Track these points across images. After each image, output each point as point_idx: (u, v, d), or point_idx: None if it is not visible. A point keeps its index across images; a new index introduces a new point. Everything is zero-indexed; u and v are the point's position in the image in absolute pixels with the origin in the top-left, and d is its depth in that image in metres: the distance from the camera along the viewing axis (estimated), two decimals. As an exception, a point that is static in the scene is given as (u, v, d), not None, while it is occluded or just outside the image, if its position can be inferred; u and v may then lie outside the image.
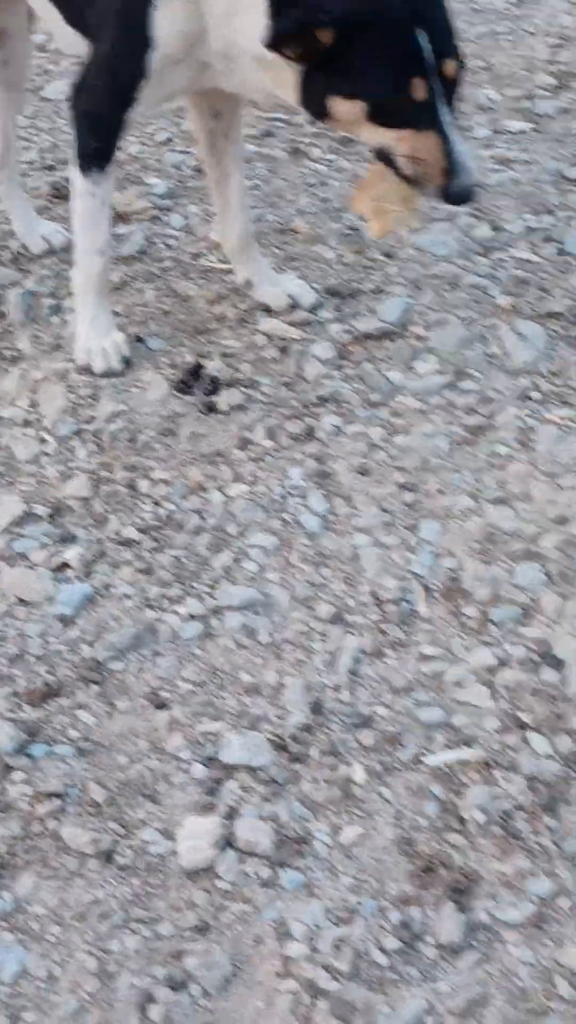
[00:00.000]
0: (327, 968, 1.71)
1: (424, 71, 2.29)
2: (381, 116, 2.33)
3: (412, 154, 2.36)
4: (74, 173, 2.77)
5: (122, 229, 3.47)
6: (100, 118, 2.68)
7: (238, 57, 2.49)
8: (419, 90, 2.29)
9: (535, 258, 3.13)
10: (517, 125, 3.76)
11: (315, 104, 2.38)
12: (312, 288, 3.07)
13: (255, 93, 2.60)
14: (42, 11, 2.84)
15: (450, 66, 2.33)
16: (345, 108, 2.34)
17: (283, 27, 2.27)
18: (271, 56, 2.35)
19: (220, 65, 2.55)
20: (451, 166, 2.33)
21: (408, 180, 2.41)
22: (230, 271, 3.19)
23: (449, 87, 2.34)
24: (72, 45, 2.79)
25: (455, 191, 2.36)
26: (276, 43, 2.28)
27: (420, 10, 2.30)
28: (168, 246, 3.41)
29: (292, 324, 2.99)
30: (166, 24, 2.47)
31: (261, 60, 2.42)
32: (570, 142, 3.65)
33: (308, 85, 2.36)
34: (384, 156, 2.42)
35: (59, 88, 4.40)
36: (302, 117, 3.90)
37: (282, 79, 2.42)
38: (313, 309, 3.03)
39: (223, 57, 2.52)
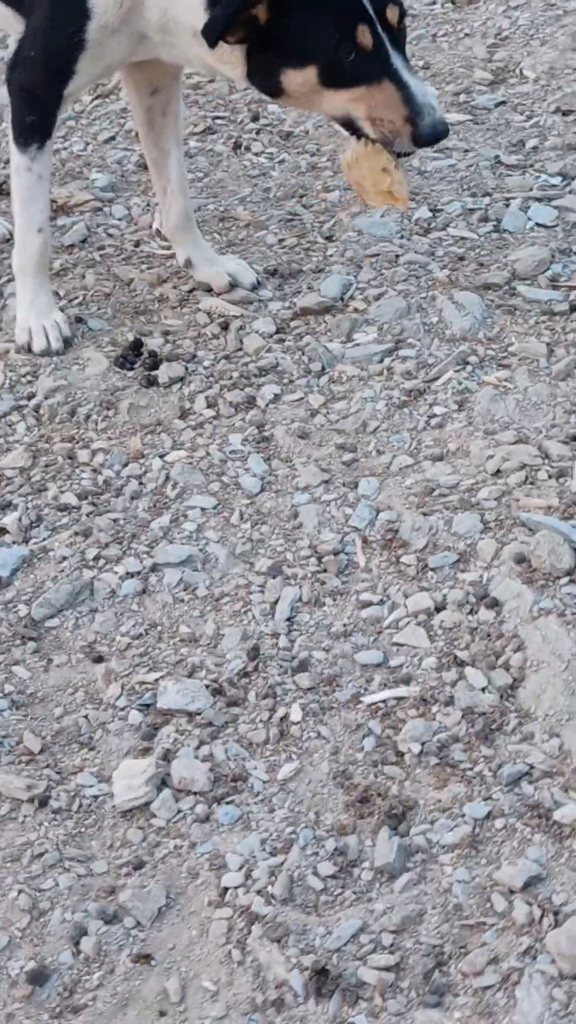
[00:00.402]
0: (261, 894, 1.69)
1: (367, 18, 2.28)
2: (334, 78, 2.32)
3: (371, 114, 2.35)
4: (12, 149, 2.78)
5: (64, 220, 3.48)
6: (36, 92, 2.68)
7: (175, 31, 2.50)
8: (365, 36, 2.28)
9: (472, 236, 3.16)
10: (456, 117, 3.81)
11: (267, 82, 2.38)
12: (253, 268, 3.08)
13: (196, 65, 2.61)
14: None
15: (392, 11, 2.32)
16: (298, 79, 2.34)
17: (218, 18, 2.26)
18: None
19: (158, 37, 2.56)
20: (415, 108, 2.32)
21: (380, 142, 2.41)
22: (171, 256, 3.20)
23: (394, 35, 2.33)
24: (7, 24, 2.80)
25: (425, 132, 2.34)
26: (215, 35, 2.27)
27: None
28: (110, 235, 3.41)
29: (233, 303, 2.99)
30: None
31: (197, 34, 2.43)
32: (506, 132, 3.70)
33: (256, 63, 2.36)
34: (349, 125, 2.42)
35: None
36: (242, 114, 3.97)
37: (223, 55, 2.42)
38: (254, 288, 3.03)
39: (160, 29, 2.53)
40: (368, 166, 2.43)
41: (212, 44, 2.29)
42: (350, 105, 2.37)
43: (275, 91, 2.40)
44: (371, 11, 2.29)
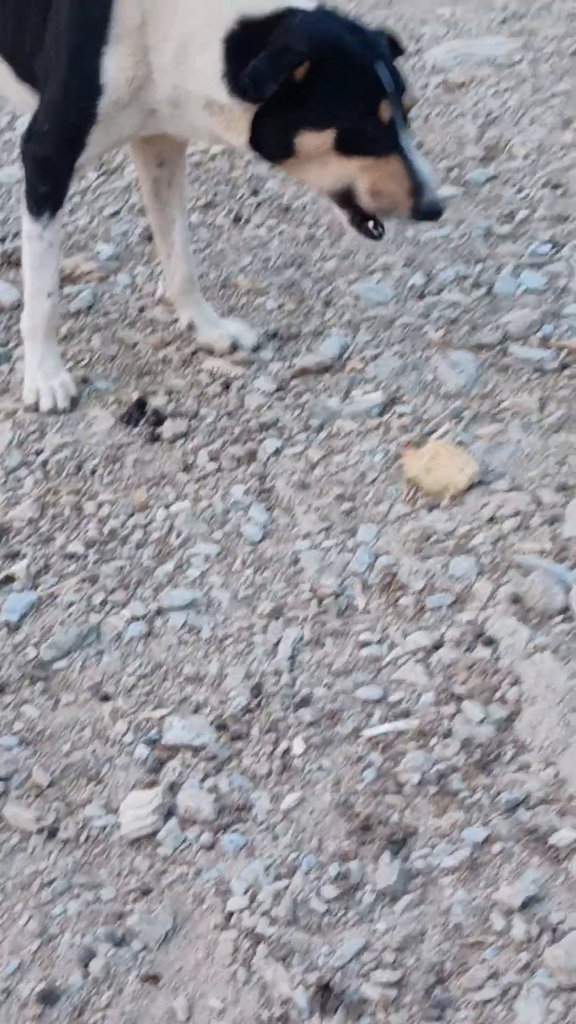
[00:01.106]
0: (266, 915, 1.72)
1: (388, 94, 2.44)
2: (348, 144, 2.45)
3: (374, 185, 2.48)
4: (24, 217, 2.89)
5: (71, 289, 3.60)
6: (49, 163, 2.80)
7: (185, 103, 2.62)
8: (386, 111, 2.43)
9: (466, 300, 3.28)
10: (449, 191, 3.95)
11: (278, 142, 2.49)
12: (253, 331, 3.18)
13: (202, 137, 2.74)
14: (-8, 73, 3.00)
15: (407, 99, 2.51)
16: (316, 140, 2.46)
17: (265, 70, 2.38)
18: (223, 100, 2.49)
19: (167, 111, 2.69)
20: (417, 184, 2.46)
21: (374, 213, 2.54)
22: (175, 321, 3.31)
23: (404, 118, 2.49)
24: (24, 101, 2.93)
25: (424, 207, 2.48)
26: (269, 84, 2.38)
27: (374, 48, 2.48)
28: (115, 302, 3.53)
29: (235, 363, 3.09)
30: (114, 69, 2.61)
31: (210, 104, 2.56)
32: (497, 204, 3.85)
33: (269, 124, 2.47)
34: (343, 197, 2.55)
35: (9, 172, 4.59)
36: (243, 189, 4.12)
37: (231, 122, 2.56)
38: (255, 350, 3.14)
39: (170, 103, 2.66)
40: (440, 457, 2.56)
41: (259, 95, 2.40)
42: (356, 174, 2.49)
43: (285, 153, 2.50)
44: (391, 90, 2.45)
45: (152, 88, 2.64)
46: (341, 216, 2.61)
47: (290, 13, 2.47)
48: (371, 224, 2.61)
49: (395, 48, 2.61)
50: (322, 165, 2.50)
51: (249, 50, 2.43)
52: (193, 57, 2.52)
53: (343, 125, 2.43)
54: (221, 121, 2.57)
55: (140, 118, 2.74)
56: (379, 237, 2.65)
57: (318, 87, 2.40)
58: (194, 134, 2.74)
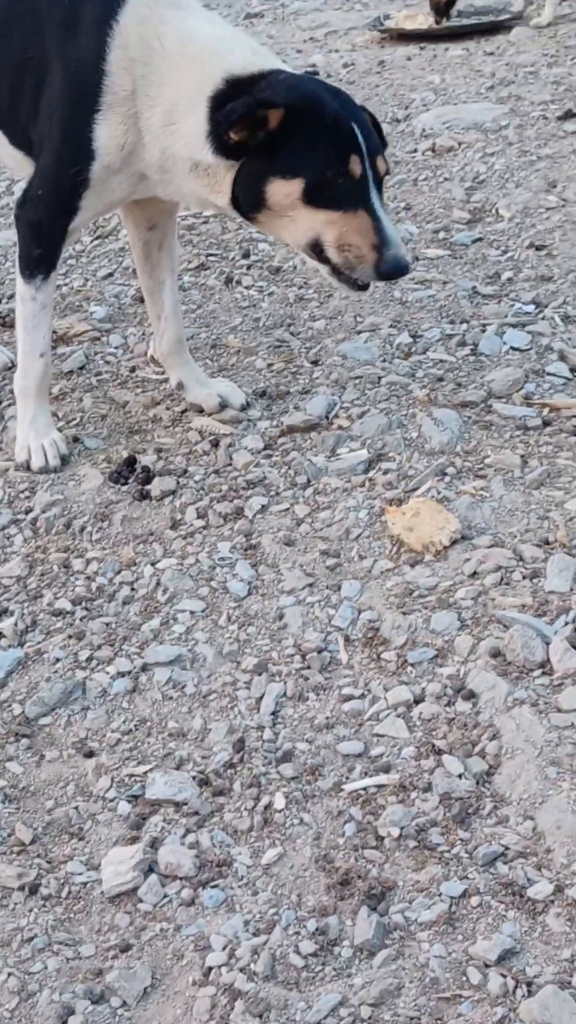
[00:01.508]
0: (244, 971, 1.73)
1: (361, 153, 2.50)
2: (317, 196, 2.50)
3: (340, 239, 2.53)
4: (18, 279, 2.95)
5: (64, 349, 3.67)
6: (43, 227, 2.87)
7: (173, 166, 2.70)
8: (356, 166, 2.49)
9: (451, 359, 3.33)
10: (435, 252, 4.03)
11: (251, 193, 2.55)
12: (242, 391, 3.23)
13: (189, 199, 2.81)
14: (-12, 139, 3.08)
15: (381, 161, 2.56)
16: (284, 189, 2.51)
17: (235, 108, 2.46)
18: (208, 159, 2.57)
19: (156, 175, 2.77)
20: (382, 241, 2.50)
21: (339, 270, 2.59)
22: (165, 380, 3.37)
23: (378, 178, 2.54)
24: (20, 167, 3.01)
25: (388, 265, 2.52)
26: (234, 118, 2.45)
27: (353, 110, 2.56)
28: (107, 362, 3.59)
29: (223, 422, 3.14)
30: (105, 136, 2.69)
31: (195, 166, 2.63)
32: (483, 265, 3.91)
33: (245, 174, 2.54)
34: (315, 249, 2.60)
35: (5, 237, 4.69)
36: (234, 251, 4.19)
37: (216, 183, 2.63)
38: (243, 408, 3.19)
39: (159, 167, 2.73)
40: (424, 516, 2.60)
41: (226, 131, 2.47)
42: (323, 227, 2.54)
43: (256, 203, 2.56)
44: (365, 150, 2.51)
45: (142, 153, 2.72)
46: (322, 269, 2.66)
47: (274, 72, 2.56)
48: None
49: (375, 127, 2.68)
50: (292, 218, 2.56)
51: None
52: (181, 119, 2.61)
53: (311, 176, 2.48)
54: (206, 183, 2.64)
55: (131, 183, 2.81)
56: (364, 288, 2.69)
57: (290, 137, 2.47)
58: (182, 198, 2.81)
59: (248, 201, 2.57)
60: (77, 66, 2.65)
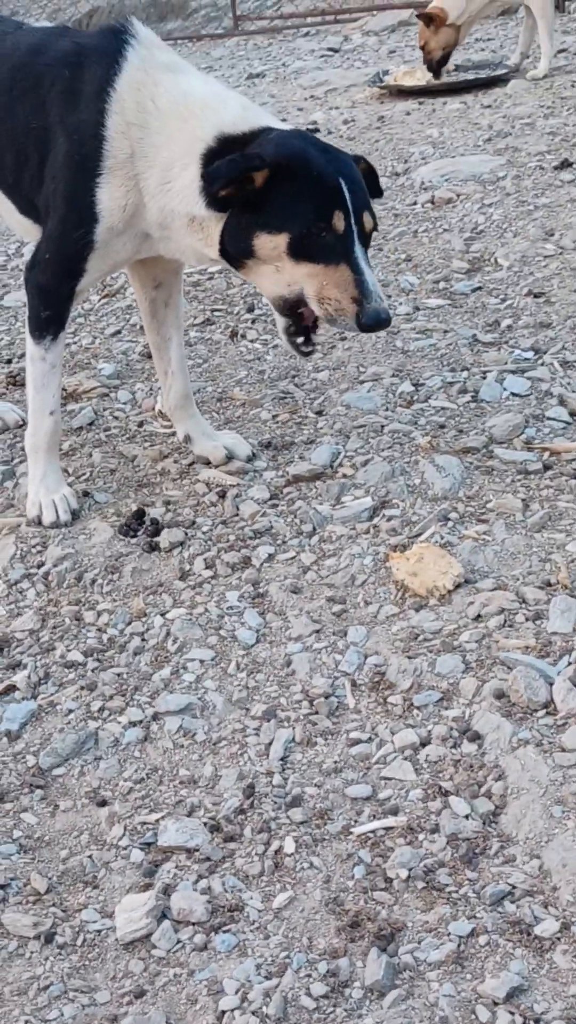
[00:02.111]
0: (256, 1014, 1.75)
1: (346, 209, 2.57)
2: (300, 249, 2.57)
3: (322, 292, 2.60)
4: (28, 340, 3.03)
5: (73, 406, 3.74)
6: (51, 289, 2.95)
7: (172, 223, 2.78)
8: (340, 221, 2.55)
9: (452, 406, 3.39)
10: (435, 302, 4.11)
11: (238, 244, 2.63)
12: (248, 442, 3.30)
13: (188, 255, 2.89)
14: (-1, 207, 3.17)
15: (367, 218, 2.62)
16: (270, 243, 2.59)
17: (221, 169, 2.53)
18: (202, 213, 2.65)
19: (157, 233, 2.85)
20: (362, 294, 2.56)
21: (324, 320, 2.67)
22: (172, 434, 3.43)
23: (363, 234, 2.61)
24: (28, 233, 3.10)
25: (368, 317, 2.57)
26: (221, 181, 2.53)
27: (340, 166, 2.61)
28: (115, 417, 3.66)
29: (230, 473, 3.20)
30: (108, 199, 2.78)
31: (191, 221, 2.72)
32: (482, 313, 3.99)
33: (234, 226, 2.63)
34: (295, 305, 2.68)
35: (15, 297, 4.79)
36: (238, 306, 4.27)
37: (209, 237, 2.71)
38: (249, 460, 3.24)
39: (159, 225, 2.82)
40: (427, 561, 2.65)
41: (214, 190, 2.55)
42: (306, 280, 2.61)
43: (244, 254, 2.64)
44: (350, 206, 2.57)
45: (143, 213, 2.81)
46: (279, 323, 2.74)
47: (265, 130, 2.65)
48: (302, 340, 2.76)
49: (370, 176, 2.75)
50: (276, 269, 2.63)
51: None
52: (176, 177, 2.70)
53: (295, 231, 2.55)
54: (201, 237, 2.73)
55: (135, 243, 2.90)
56: (308, 355, 2.83)
57: (276, 193, 2.54)
58: (182, 254, 2.89)
59: (236, 251, 2.65)
60: (78, 133, 2.74)
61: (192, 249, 2.81)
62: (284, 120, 6.16)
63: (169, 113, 2.71)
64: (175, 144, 2.69)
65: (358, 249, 2.57)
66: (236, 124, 2.66)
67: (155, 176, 2.73)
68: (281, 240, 2.57)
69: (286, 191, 2.54)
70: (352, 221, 2.58)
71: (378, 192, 2.82)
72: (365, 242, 2.62)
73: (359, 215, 2.60)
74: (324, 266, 2.57)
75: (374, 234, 2.71)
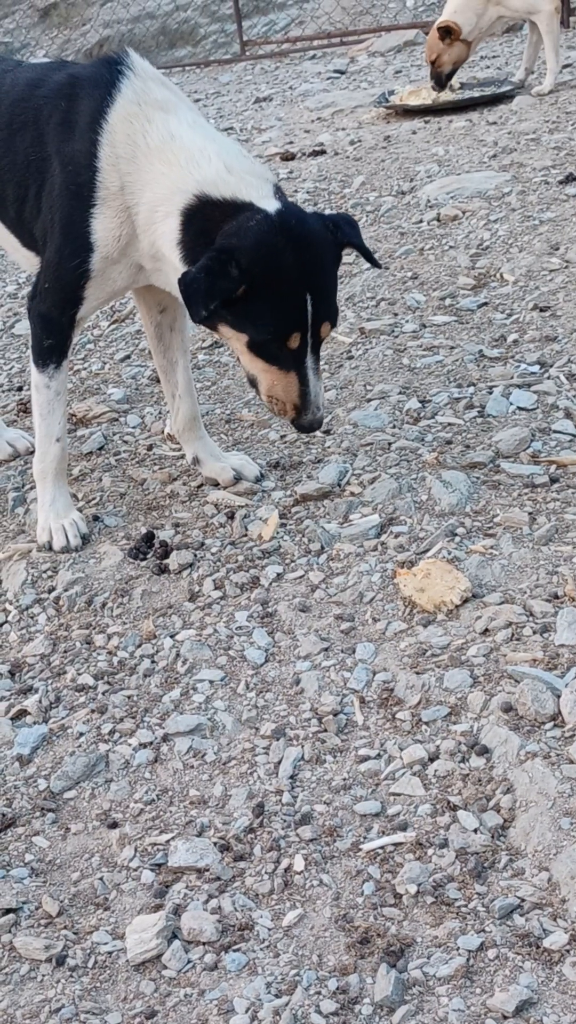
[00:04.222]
0: (266, 1032, 1.75)
1: (304, 329, 2.62)
2: (257, 350, 2.65)
3: (270, 389, 2.71)
4: (32, 368, 3.06)
5: (83, 432, 3.77)
6: (51, 318, 2.98)
7: (162, 259, 2.81)
8: (295, 341, 2.62)
9: (459, 421, 3.40)
10: (442, 319, 4.12)
11: (208, 320, 2.63)
12: (256, 463, 3.31)
13: (175, 291, 2.91)
14: (2, 242, 3.21)
15: (325, 328, 2.68)
16: (229, 333, 2.66)
17: (199, 290, 2.50)
18: (180, 266, 2.67)
19: (149, 264, 2.88)
20: (303, 405, 2.70)
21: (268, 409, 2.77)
22: (181, 456, 3.45)
23: (317, 341, 2.68)
24: (32, 266, 3.14)
25: (302, 424, 2.74)
26: (192, 302, 2.53)
27: (312, 278, 2.61)
28: (125, 441, 3.69)
29: (238, 494, 3.22)
30: (102, 229, 2.81)
31: (175, 266, 2.74)
32: (488, 329, 4.00)
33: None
34: (252, 381, 2.75)
35: (26, 326, 4.82)
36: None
37: None
38: (257, 480, 3.26)
39: (151, 257, 2.85)
40: (434, 577, 2.67)
41: (195, 319, 2.57)
42: (259, 374, 2.70)
43: (210, 328, 2.71)
44: (309, 324, 2.62)
45: (137, 244, 2.83)
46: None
47: (247, 209, 2.60)
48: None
49: (353, 229, 2.77)
50: (238, 351, 2.71)
51: (204, 227, 2.61)
52: (160, 222, 2.72)
53: (254, 337, 2.62)
54: None
55: (130, 272, 2.93)
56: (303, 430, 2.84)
57: (245, 303, 2.56)
58: (172, 290, 2.91)
59: (205, 323, 2.66)
60: (72, 164, 2.77)
61: (176, 285, 2.84)
62: (284, 150, 6.18)
63: (156, 153, 2.72)
64: (159, 187, 2.71)
65: (309, 360, 2.66)
66: (217, 186, 2.63)
67: (143, 212, 2.76)
68: (241, 337, 2.64)
69: (253, 302, 2.55)
70: (308, 336, 2.63)
71: (375, 264, 2.90)
72: (318, 347, 2.69)
73: (317, 328, 2.64)
74: (277, 369, 2.67)
75: (380, 251, 2.77)
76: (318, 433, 3.50)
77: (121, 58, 2.80)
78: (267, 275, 2.54)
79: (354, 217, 3.86)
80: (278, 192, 2.69)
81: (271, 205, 2.61)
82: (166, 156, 2.69)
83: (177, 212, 2.66)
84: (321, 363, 2.77)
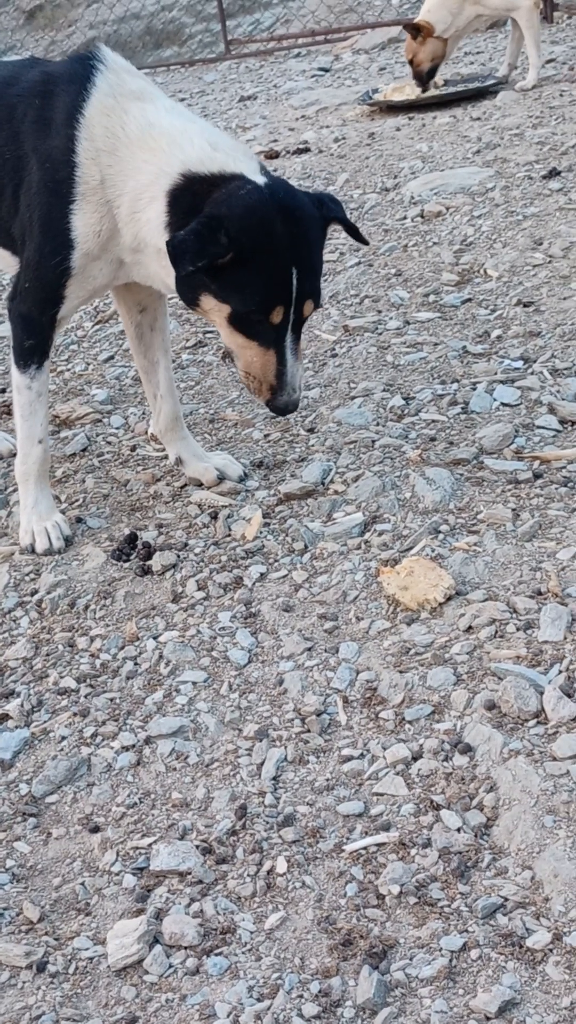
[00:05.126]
0: (247, 1038, 1.74)
1: (288, 303, 2.59)
2: (238, 323, 2.62)
3: (248, 365, 2.68)
4: (12, 370, 3.04)
5: (66, 433, 3.75)
6: (32, 318, 2.96)
7: (144, 250, 2.79)
8: (277, 316, 2.59)
9: (443, 418, 3.38)
10: (426, 315, 4.11)
11: (189, 294, 2.64)
12: (240, 462, 3.29)
13: (158, 284, 2.90)
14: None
15: (308, 305, 2.65)
16: (212, 305, 2.62)
17: (187, 249, 2.48)
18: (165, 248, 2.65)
19: (131, 258, 2.86)
20: (279, 385, 2.67)
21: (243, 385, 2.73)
22: (165, 457, 3.43)
23: (299, 319, 2.65)
24: (7, 265, 3.11)
25: (278, 405, 2.70)
26: (179, 262, 2.50)
27: (299, 252, 2.59)
28: (108, 442, 3.67)
29: (222, 494, 3.20)
30: (81, 225, 2.79)
31: (158, 251, 2.72)
32: (472, 325, 3.98)
33: (186, 278, 2.59)
34: (229, 357, 2.71)
35: (6, 328, 4.79)
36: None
37: (171, 268, 2.71)
38: (241, 480, 3.24)
39: (132, 251, 2.83)
40: (418, 576, 2.65)
41: (180, 273, 2.53)
42: (238, 349, 2.68)
43: (191, 303, 2.66)
44: (293, 299, 2.59)
45: (118, 239, 2.81)
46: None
47: (236, 180, 2.59)
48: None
49: (337, 206, 2.76)
50: (219, 325, 2.68)
51: (192, 203, 2.58)
52: (144, 209, 2.70)
53: (236, 308, 2.58)
54: (166, 267, 2.71)
55: (111, 269, 2.90)
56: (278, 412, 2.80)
57: (230, 272, 2.53)
58: (152, 281, 2.89)
59: (185, 298, 2.66)
60: (50, 160, 2.75)
61: (159, 277, 2.82)
62: (268, 148, 6.16)
63: (136, 142, 2.71)
64: (141, 176, 2.69)
65: (289, 339, 2.63)
66: (203, 163, 2.63)
67: (125, 204, 2.74)
68: (224, 308, 2.60)
69: (239, 271, 2.53)
70: (291, 311, 2.60)
71: (362, 241, 2.87)
72: (299, 326, 2.66)
73: (300, 304, 2.61)
74: (256, 345, 2.63)
75: (369, 246, 2.77)
76: (302, 431, 3.49)
77: (93, 53, 2.79)
78: (255, 244, 2.51)
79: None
80: (263, 169, 2.67)
81: (259, 179, 2.60)
82: (147, 143, 2.67)
83: (163, 195, 2.64)
84: (302, 347, 2.73)
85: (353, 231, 2.81)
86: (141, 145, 2.68)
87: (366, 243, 2.94)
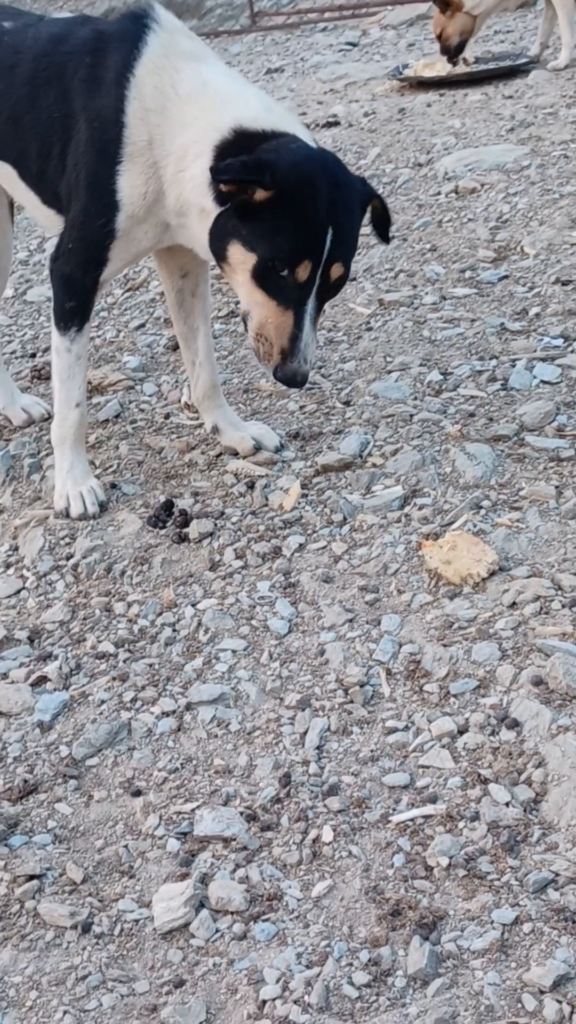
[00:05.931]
0: (298, 1003, 1.73)
1: (317, 260, 2.53)
2: (262, 276, 2.55)
3: (261, 326, 2.59)
4: (53, 332, 3.02)
5: (99, 399, 3.72)
6: (75, 279, 2.93)
7: (188, 211, 2.76)
8: (304, 271, 2.52)
9: (482, 394, 3.35)
10: (463, 291, 4.08)
11: (219, 242, 2.60)
12: (276, 432, 3.27)
13: (201, 247, 2.86)
14: (21, 198, 3.16)
15: (336, 269, 2.58)
16: (239, 256, 2.58)
17: (232, 167, 2.47)
18: (209, 205, 2.62)
19: (175, 221, 2.83)
20: (291, 349, 2.56)
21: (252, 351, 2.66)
22: (199, 426, 3.41)
23: (325, 285, 2.57)
24: (51, 224, 3.08)
25: (285, 374, 2.59)
26: (221, 174, 2.48)
27: (337, 216, 2.55)
28: (141, 410, 3.65)
29: (258, 464, 3.18)
30: (128, 187, 2.76)
31: (202, 212, 2.69)
32: (510, 302, 3.95)
33: (220, 226, 2.59)
34: (245, 318, 2.66)
35: (38, 292, 4.78)
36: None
37: (209, 224, 2.68)
38: (277, 450, 3.22)
39: (177, 214, 2.80)
40: (461, 549, 2.62)
41: (218, 182, 2.51)
42: (255, 307, 2.59)
43: (220, 254, 2.62)
44: (323, 258, 2.53)
45: (163, 201, 2.78)
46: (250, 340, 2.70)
47: (287, 137, 2.58)
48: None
49: (382, 219, 2.73)
50: (241, 282, 2.61)
51: (237, 155, 2.55)
52: (189, 166, 2.67)
53: (264, 257, 2.52)
54: (207, 228, 2.68)
55: (156, 231, 2.87)
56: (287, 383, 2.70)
57: (268, 214, 2.49)
58: (195, 244, 2.85)
59: (215, 249, 2.62)
60: (99, 120, 2.72)
61: (202, 241, 2.78)
62: (307, 125, 6.10)
63: (188, 100, 2.68)
64: (190, 131, 2.66)
65: (311, 303, 2.56)
66: (256, 120, 2.61)
67: (171, 164, 2.71)
68: (250, 258, 2.55)
69: (275, 217, 2.49)
70: (318, 274, 2.54)
71: (386, 238, 2.81)
72: (326, 294, 2.59)
73: (328, 266, 2.55)
74: (275, 304, 2.55)
75: (394, 227, 2.72)
76: (338, 404, 3.46)
77: (146, 11, 2.75)
78: (295, 192, 2.47)
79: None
80: (313, 140, 2.65)
81: (311, 143, 2.58)
82: (199, 100, 2.64)
83: (210, 150, 2.61)
84: (320, 319, 2.63)
85: (385, 221, 2.75)
86: (192, 102, 2.65)
87: (388, 242, 2.88)
